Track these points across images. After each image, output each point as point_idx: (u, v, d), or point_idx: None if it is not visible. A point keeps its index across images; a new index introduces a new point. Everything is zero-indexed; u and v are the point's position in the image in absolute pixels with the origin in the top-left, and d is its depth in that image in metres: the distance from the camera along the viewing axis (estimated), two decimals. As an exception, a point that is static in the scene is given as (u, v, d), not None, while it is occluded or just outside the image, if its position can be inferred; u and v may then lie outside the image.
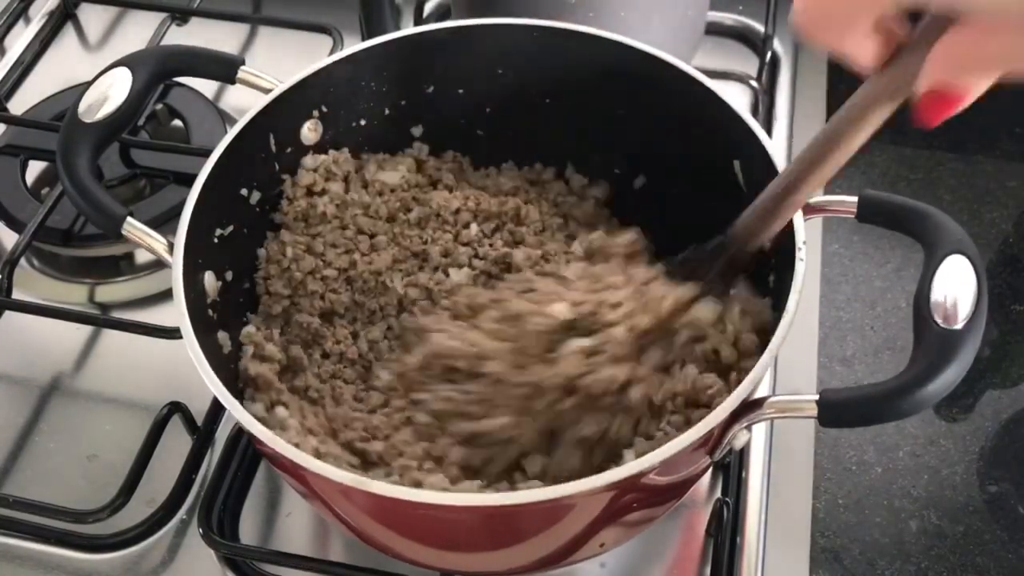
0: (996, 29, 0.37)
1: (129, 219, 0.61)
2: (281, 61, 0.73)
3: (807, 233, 0.57)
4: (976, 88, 0.41)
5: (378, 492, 0.48)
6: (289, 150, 0.69)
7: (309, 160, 0.71)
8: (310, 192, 0.70)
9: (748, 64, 0.95)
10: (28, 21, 1.03)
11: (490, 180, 0.75)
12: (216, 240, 0.65)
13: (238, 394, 0.62)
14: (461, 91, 0.73)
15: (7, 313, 0.76)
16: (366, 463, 0.60)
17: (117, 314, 0.80)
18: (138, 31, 1.00)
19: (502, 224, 0.72)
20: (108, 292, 0.82)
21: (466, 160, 0.76)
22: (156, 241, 0.61)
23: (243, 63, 0.68)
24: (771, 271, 0.61)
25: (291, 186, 0.70)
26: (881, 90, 0.46)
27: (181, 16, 0.99)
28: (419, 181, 0.74)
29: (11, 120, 0.90)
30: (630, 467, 0.49)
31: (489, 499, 0.49)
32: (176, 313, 0.56)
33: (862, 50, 0.43)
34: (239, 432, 0.71)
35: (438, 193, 0.72)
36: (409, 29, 0.71)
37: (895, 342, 0.78)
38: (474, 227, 0.71)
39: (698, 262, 0.62)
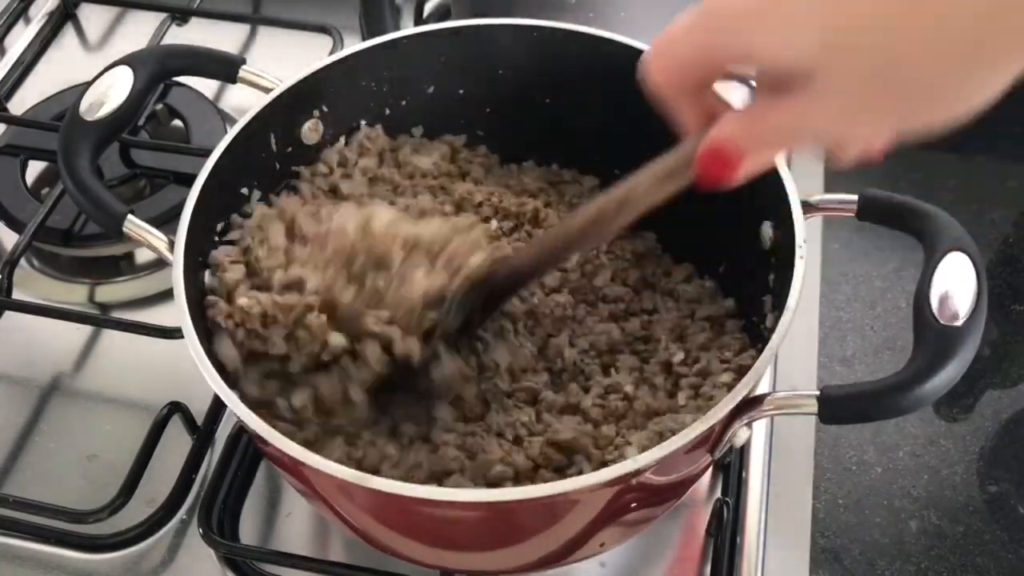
0: (784, 106, 0.41)
1: (130, 217, 0.61)
2: (281, 61, 0.73)
3: (807, 232, 0.57)
4: (750, 159, 0.43)
5: (378, 488, 0.48)
6: (290, 149, 0.69)
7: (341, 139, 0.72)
8: (342, 164, 0.71)
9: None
10: (28, 21, 1.03)
11: (514, 179, 0.75)
12: (217, 238, 0.65)
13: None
14: (461, 91, 0.74)
15: (7, 313, 0.76)
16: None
17: (117, 314, 0.80)
18: (138, 31, 1.00)
19: (520, 224, 0.72)
20: (108, 292, 0.82)
21: (495, 157, 0.76)
22: (157, 239, 0.61)
23: (244, 62, 0.68)
24: (771, 270, 0.61)
25: (326, 160, 0.71)
26: (677, 158, 0.49)
27: (181, 16, 0.99)
28: (450, 170, 0.74)
29: (11, 120, 0.90)
30: (631, 463, 0.49)
31: (489, 495, 0.49)
32: (177, 311, 0.56)
33: (686, 115, 0.47)
34: (239, 432, 0.70)
35: (463, 185, 0.73)
36: (409, 29, 0.71)
37: (895, 342, 0.78)
38: (494, 223, 0.71)
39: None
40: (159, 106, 0.91)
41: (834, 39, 0.38)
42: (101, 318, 0.80)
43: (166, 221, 0.80)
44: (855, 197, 0.59)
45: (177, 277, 0.57)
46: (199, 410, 0.71)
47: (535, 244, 0.63)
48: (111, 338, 0.78)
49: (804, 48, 0.38)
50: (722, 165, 0.44)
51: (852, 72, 0.38)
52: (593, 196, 0.74)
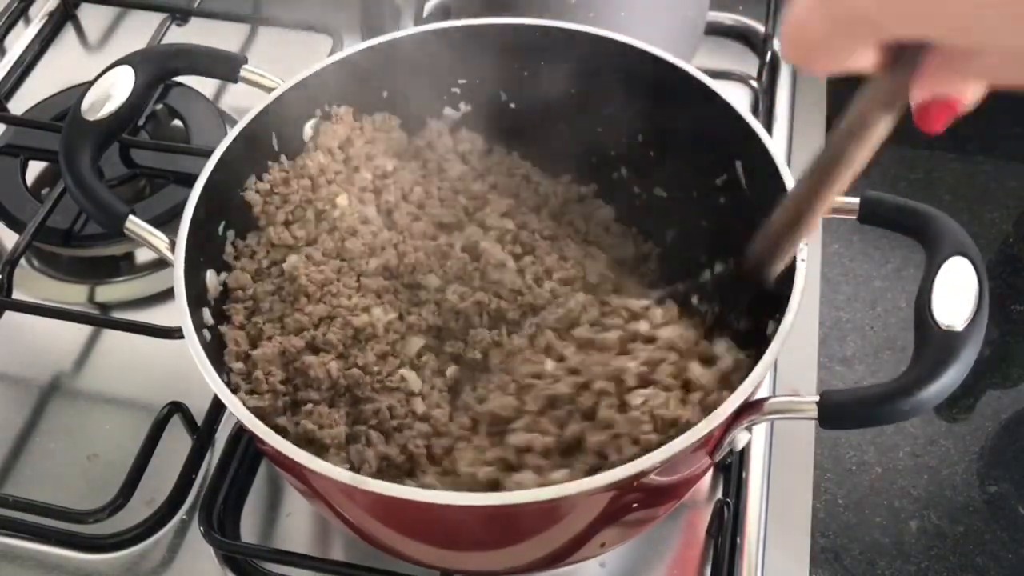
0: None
1: (131, 217, 0.61)
2: (281, 61, 0.73)
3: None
4: (970, 95, 0.41)
5: (378, 491, 0.48)
6: (292, 149, 0.69)
7: None
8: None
9: (748, 64, 0.95)
10: (28, 21, 1.03)
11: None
12: (218, 238, 0.65)
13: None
14: (460, 91, 0.74)
15: (7, 313, 0.76)
16: None
17: (117, 314, 0.80)
18: (138, 31, 0.99)
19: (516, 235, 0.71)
20: (108, 292, 0.82)
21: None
22: (158, 239, 0.61)
23: (246, 61, 0.68)
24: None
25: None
26: (879, 97, 0.44)
27: (181, 16, 0.99)
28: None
29: (11, 120, 0.90)
30: (630, 467, 0.49)
31: (489, 499, 0.49)
32: (177, 311, 0.56)
33: (859, 63, 0.42)
34: (239, 432, 0.71)
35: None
36: (409, 29, 0.71)
37: (895, 342, 0.78)
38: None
39: (705, 294, 0.60)
40: (159, 106, 0.91)
41: None
42: (101, 318, 0.80)
43: (166, 221, 0.80)
44: (857, 200, 0.59)
45: (178, 277, 0.58)
46: (199, 410, 0.71)
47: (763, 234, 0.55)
48: (111, 338, 0.78)
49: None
50: (941, 112, 0.42)
51: None
52: (586, 201, 0.75)
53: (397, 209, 0.71)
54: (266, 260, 0.67)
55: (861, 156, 0.47)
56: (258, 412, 0.60)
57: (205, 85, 0.92)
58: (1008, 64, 0.38)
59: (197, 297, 0.60)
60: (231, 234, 0.67)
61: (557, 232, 0.72)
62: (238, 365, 0.63)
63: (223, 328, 0.64)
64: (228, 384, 0.60)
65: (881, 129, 0.45)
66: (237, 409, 0.53)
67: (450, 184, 0.73)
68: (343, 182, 0.70)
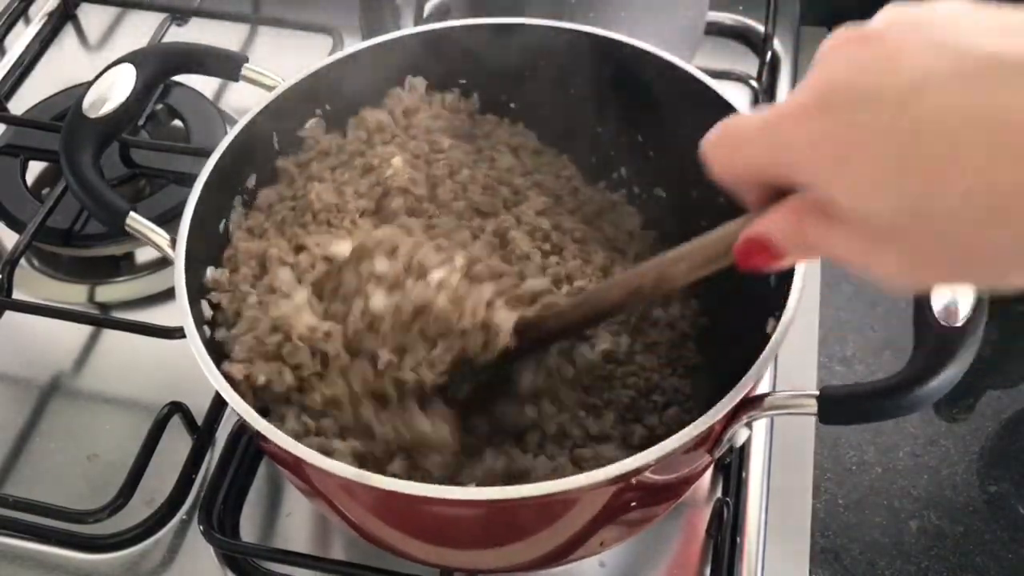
0: (839, 233, 0.38)
1: (132, 214, 0.61)
2: (281, 61, 0.73)
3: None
4: (792, 258, 0.41)
5: (378, 486, 0.48)
6: (292, 148, 0.70)
7: None
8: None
9: (748, 64, 0.95)
10: (28, 21, 1.03)
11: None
12: (219, 236, 0.65)
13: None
14: (460, 91, 0.74)
15: (7, 313, 0.76)
16: None
17: (117, 314, 0.80)
18: (138, 31, 1.00)
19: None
20: (108, 292, 0.82)
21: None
22: (159, 236, 0.61)
23: (247, 60, 0.68)
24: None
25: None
26: (722, 237, 0.46)
27: (181, 16, 0.99)
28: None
29: (11, 120, 0.90)
30: (631, 462, 0.49)
31: (489, 493, 0.49)
32: (178, 311, 0.56)
33: (745, 198, 0.43)
34: (239, 431, 0.70)
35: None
36: (409, 29, 0.71)
37: (895, 342, 0.78)
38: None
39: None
40: (159, 106, 0.91)
41: (913, 205, 0.35)
42: (101, 318, 0.80)
43: (166, 221, 0.80)
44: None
45: (179, 274, 0.58)
46: (199, 410, 0.71)
47: (569, 307, 0.60)
48: (111, 338, 0.78)
49: (882, 204, 0.35)
50: (762, 256, 0.42)
51: (922, 237, 0.36)
52: (618, 208, 0.75)
53: (442, 184, 0.71)
54: (302, 190, 0.69)
55: (679, 279, 0.50)
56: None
57: (205, 85, 0.92)
58: (867, 247, 0.37)
59: (197, 295, 0.60)
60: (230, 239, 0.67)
61: (588, 235, 0.72)
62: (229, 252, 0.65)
63: (232, 226, 0.66)
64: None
65: (719, 267, 0.47)
66: (239, 406, 0.52)
67: (497, 174, 0.73)
68: (399, 145, 0.71)
